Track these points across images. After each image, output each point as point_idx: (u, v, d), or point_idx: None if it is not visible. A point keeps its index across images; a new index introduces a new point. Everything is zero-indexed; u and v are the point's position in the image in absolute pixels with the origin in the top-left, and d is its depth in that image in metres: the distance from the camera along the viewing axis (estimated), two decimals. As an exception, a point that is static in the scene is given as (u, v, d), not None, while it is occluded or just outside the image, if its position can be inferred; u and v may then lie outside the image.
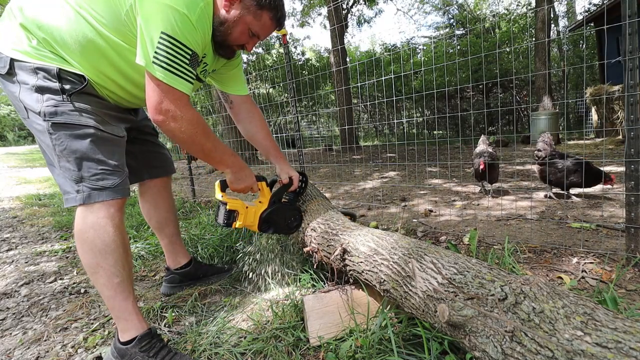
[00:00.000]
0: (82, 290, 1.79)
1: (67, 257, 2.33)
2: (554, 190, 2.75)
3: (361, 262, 1.14)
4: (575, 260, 1.61)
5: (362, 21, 16.54)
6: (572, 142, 7.25)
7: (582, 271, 1.49)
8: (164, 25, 0.94)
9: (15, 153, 19.22)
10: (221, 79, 1.41)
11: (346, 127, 7.52)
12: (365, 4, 14.79)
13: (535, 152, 2.73)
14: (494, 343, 0.71)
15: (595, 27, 8.99)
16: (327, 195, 3.72)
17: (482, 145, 3.08)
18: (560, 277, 1.47)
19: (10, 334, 1.45)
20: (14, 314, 1.61)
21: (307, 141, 14.54)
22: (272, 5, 1.11)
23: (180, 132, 1.05)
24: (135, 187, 1.70)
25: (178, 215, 2.24)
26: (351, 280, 1.30)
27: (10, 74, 1.02)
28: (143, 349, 1.09)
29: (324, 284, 1.44)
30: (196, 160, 5.82)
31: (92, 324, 1.45)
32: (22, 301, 1.73)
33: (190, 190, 3.86)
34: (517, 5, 18.79)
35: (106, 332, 1.37)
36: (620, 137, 6.06)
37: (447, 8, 19.02)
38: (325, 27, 17.15)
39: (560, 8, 18.22)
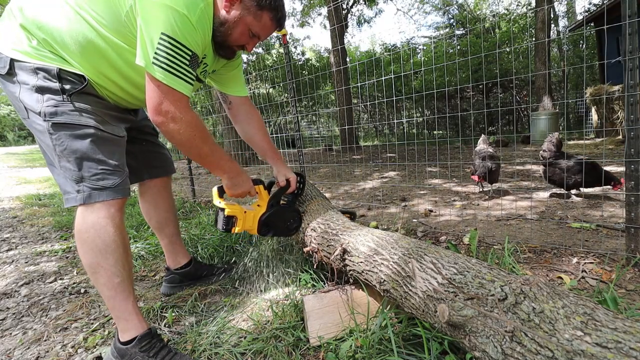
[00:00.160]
0: (82, 290, 1.79)
1: (67, 257, 2.33)
2: (560, 190, 2.75)
3: (361, 262, 1.14)
4: (575, 260, 1.61)
5: (362, 21, 16.54)
6: (572, 142, 7.25)
7: (582, 271, 1.49)
8: (164, 26, 0.94)
9: (15, 153, 19.22)
10: (221, 79, 1.41)
11: (346, 127, 7.52)
12: (365, 4, 14.79)
13: (541, 152, 2.73)
14: (494, 343, 0.71)
15: (595, 27, 8.99)
16: (327, 195, 3.72)
17: (481, 145, 3.08)
18: (560, 277, 1.47)
19: (10, 334, 1.45)
20: (14, 314, 1.61)
21: (307, 141, 14.54)
22: (273, 6, 1.11)
23: (179, 134, 1.05)
24: (135, 187, 1.70)
25: (178, 215, 2.24)
26: (351, 280, 1.30)
27: (11, 74, 1.02)
28: (143, 349, 1.09)
29: (324, 284, 1.44)
30: (196, 160, 5.81)
31: (92, 324, 1.45)
32: (22, 301, 1.73)
33: (190, 190, 3.87)
34: (517, 5, 18.80)
35: (106, 332, 1.37)
36: (620, 137, 6.06)
37: (447, 8, 19.03)
38: (325, 27, 17.16)
39: (560, 8, 18.23)
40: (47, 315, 1.58)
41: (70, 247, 2.49)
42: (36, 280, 1.97)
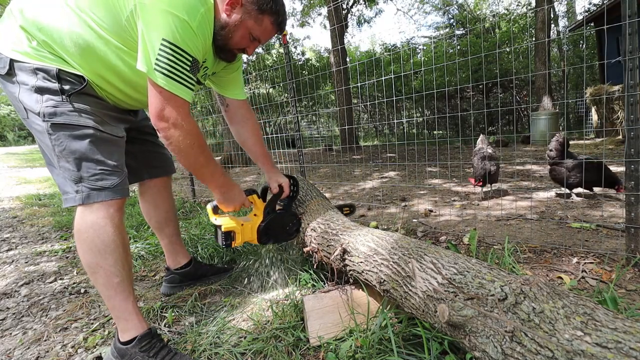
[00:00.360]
0: (82, 290, 1.79)
1: (67, 257, 2.32)
2: (565, 190, 2.74)
3: (361, 262, 1.14)
4: (575, 260, 1.61)
5: (362, 21, 16.53)
6: (572, 142, 7.24)
7: (582, 271, 1.49)
8: (165, 32, 0.95)
9: (15, 153, 19.22)
10: (220, 82, 1.41)
11: (346, 127, 7.52)
12: (365, 4, 14.79)
13: (547, 152, 2.73)
14: (494, 343, 0.71)
15: (595, 27, 8.99)
16: (327, 195, 3.72)
17: (480, 144, 3.08)
18: (560, 277, 1.47)
19: (10, 334, 1.45)
20: (14, 314, 1.61)
21: (307, 141, 14.54)
22: (274, 10, 1.11)
23: (179, 141, 1.05)
24: (135, 187, 1.70)
25: (178, 215, 2.24)
26: (351, 280, 1.30)
27: (10, 74, 1.02)
28: (143, 349, 1.09)
29: (324, 284, 1.44)
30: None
31: (92, 324, 1.45)
32: (22, 301, 1.73)
33: (190, 190, 3.86)
34: (517, 5, 18.80)
35: (106, 332, 1.37)
36: (620, 137, 6.06)
37: (447, 8, 19.02)
38: (325, 27, 17.15)
39: (560, 8, 18.22)
40: (47, 315, 1.58)
41: (70, 247, 2.49)
42: (36, 280, 1.97)
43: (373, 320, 1.15)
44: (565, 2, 18.24)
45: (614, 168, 3.65)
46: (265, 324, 1.28)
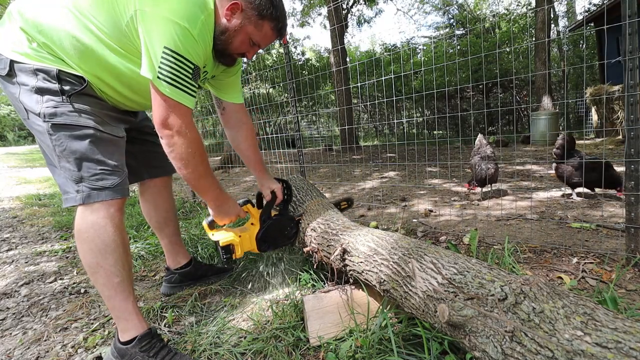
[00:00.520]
0: (82, 290, 1.79)
1: (67, 257, 2.33)
2: (571, 189, 2.74)
3: (361, 262, 1.14)
4: (575, 260, 1.61)
5: (362, 21, 16.51)
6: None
7: (582, 271, 1.49)
8: (167, 40, 0.95)
9: (15, 153, 19.22)
10: (218, 85, 1.41)
11: (346, 127, 7.52)
12: (365, 4, 14.78)
13: (554, 150, 2.73)
14: (494, 343, 0.71)
15: (595, 27, 8.99)
16: (327, 195, 3.72)
17: (479, 144, 3.07)
18: (560, 277, 1.47)
19: (10, 334, 1.45)
20: (14, 314, 1.61)
21: (307, 141, 14.54)
22: (274, 16, 1.11)
23: (182, 149, 1.05)
24: (135, 187, 1.70)
25: (178, 215, 2.24)
26: (351, 280, 1.30)
27: (11, 75, 1.02)
28: (143, 349, 1.09)
29: (324, 284, 1.44)
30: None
31: (92, 324, 1.45)
32: (22, 301, 1.73)
33: (190, 190, 3.86)
34: (517, 5, 18.80)
35: (106, 332, 1.37)
36: (620, 137, 6.06)
37: (447, 8, 19.02)
38: (325, 27, 17.15)
39: (560, 8, 18.22)
40: (47, 315, 1.58)
41: (70, 247, 2.49)
42: (36, 280, 1.97)
43: (373, 320, 1.15)
44: (565, 2, 18.24)
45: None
46: (265, 324, 1.28)
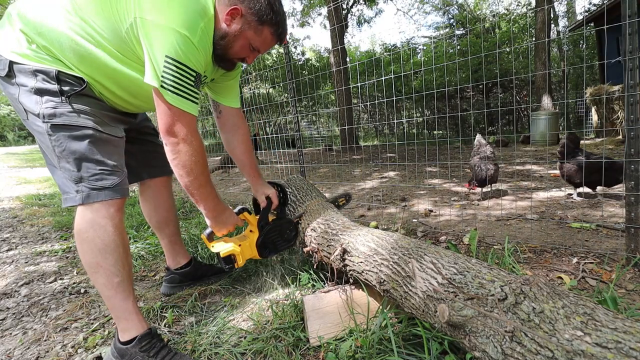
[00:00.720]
0: (82, 290, 1.79)
1: (67, 257, 2.33)
2: (578, 189, 2.74)
3: (361, 262, 1.14)
4: (575, 260, 1.61)
5: (362, 21, 16.51)
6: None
7: (582, 271, 1.49)
8: (168, 49, 0.95)
9: (15, 153, 19.22)
10: (216, 88, 1.41)
11: (346, 127, 7.53)
12: (365, 4, 14.78)
13: (558, 149, 2.73)
14: (494, 343, 0.71)
15: (595, 27, 8.99)
16: (327, 195, 3.72)
17: (478, 144, 3.07)
18: (560, 277, 1.47)
19: (10, 334, 1.45)
20: (14, 314, 1.61)
21: (307, 141, 14.54)
22: (274, 21, 1.11)
23: (186, 157, 1.06)
24: (135, 187, 1.70)
25: (178, 215, 2.24)
26: (351, 280, 1.30)
27: (10, 76, 1.02)
28: (143, 349, 1.09)
29: (324, 284, 1.44)
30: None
31: (92, 324, 1.45)
32: (22, 301, 1.73)
33: (190, 190, 3.86)
34: (517, 5, 18.80)
35: (106, 332, 1.37)
36: (620, 137, 6.06)
37: (447, 8, 19.02)
38: (325, 27, 17.14)
39: (560, 8, 18.22)
40: (47, 315, 1.58)
41: (70, 247, 2.49)
42: (36, 280, 1.97)
43: (373, 320, 1.15)
44: (565, 2, 18.24)
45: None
46: (265, 324, 1.28)
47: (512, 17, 15.49)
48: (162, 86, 0.98)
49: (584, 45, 13.79)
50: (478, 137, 3.12)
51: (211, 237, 1.33)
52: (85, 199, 1.06)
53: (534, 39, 9.90)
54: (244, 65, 1.30)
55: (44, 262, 2.27)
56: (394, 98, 3.05)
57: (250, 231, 1.41)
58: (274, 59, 16.45)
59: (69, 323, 1.48)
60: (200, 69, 1.05)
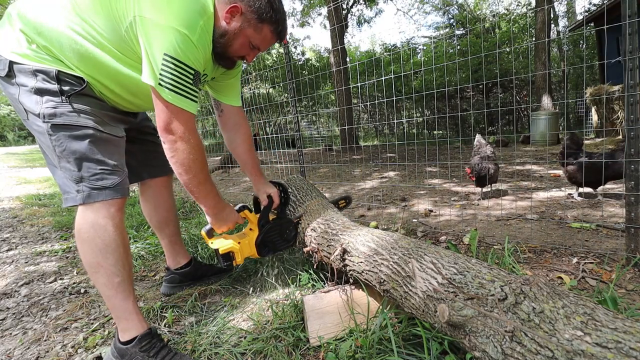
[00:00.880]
0: (82, 290, 1.79)
1: (67, 257, 2.33)
2: (581, 189, 2.74)
3: (361, 262, 1.14)
4: (575, 260, 1.61)
5: (362, 21, 16.50)
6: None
7: (582, 271, 1.49)
8: (166, 47, 0.95)
9: (15, 153, 19.22)
10: (217, 86, 1.41)
11: (346, 127, 7.53)
12: (365, 4, 14.78)
13: (560, 149, 2.73)
14: (494, 343, 0.71)
15: (595, 27, 8.99)
16: (327, 195, 3.72)
17: (478, 144, 3.06)
18: (560, 277, 1.47)
19: (10, 334, 1.45)
20: (14, 314, 1.61)
21: (307, 141, 14.54)
22: (274, 19, 1.11)
23: (184, 155, 1.06)
24: (135, 187, 1.70)
25: (178, 215, 2.24)
26: (351, 280, 1.30)
27: (10, 76, 1.02)
28: (143, 349, 1.09)
29: (324, 284, 1.44)
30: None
31: (92, 324, 1.45)
32: (22, 301, 1.73)
33: (190, 190, 3.86)
34: (517, 5, 18.80)
35: (106, 332, 1.37)
36: (620, 137, 6.06)
37: (447, 8, 19.02)
38: (325, 27, 17.14)
39: (560, 8, 18.22)
40: (47, 315, 1.58)
41: (70, 247, 2.49)
42: (36, 280, 1.97)
43: (373, 320, 1.15)
44: (565, 2, 18.24)
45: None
46: (265, 324, 1.28)
47: (512, 17, 15.49)
48: (159, 84, 0.97)
49: (584, 45, 13.79)
50: (478, 137, 3.11)
51: (210, 233, 1.33)
52: (86, 198, 1.06)
53: (534, 39, 9.90)
54: (245, 64, 1.30)
55: (44, 262, 2.27)
56: (394, 98, 3.05)
57: (250, 229, 1.41)
58: (274, 59, 16.45)
59: (69, 323, 1.48)
60: (200, 67, 1.05)
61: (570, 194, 2.81)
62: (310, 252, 1.40)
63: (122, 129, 1.20)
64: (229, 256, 1.32)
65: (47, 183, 6.35)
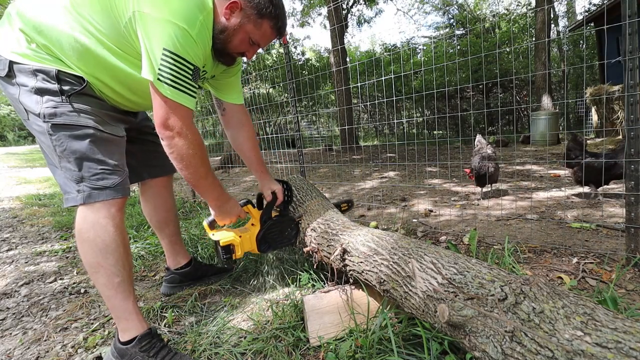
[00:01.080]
0: (82, 290, 1.79)
1: (67, 257, 2.33)
2: (586, 189, 2.74)
3: (361, 262, 1.14)
4: (575, 260, 1.61)
5: (362, 21, 16.50)
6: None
7: (582, 271, 1.49)
8: (166, 42, 0.95)
9: (15, 153, 19.23)
10: (218, 85, 1.41)
11: (346, 127, 7.52)
12: (365, 4, 14.78)
13: (565, 151, 2.74)
14: (494, 343, 0.71)
15: (595, 27, 8.99)
16: (327, 195, 3.72)
17: (478, 144, 3.07)
18: (560, 277, 1.47)
19: (10, 334, 1.45)
20: (14, 314, 1.61)
21: (307, 141, 14.53)
22: (273, 15, 1.11)
23: (182, 150, 1.06)
24: (135, 187, 1.70)
25: (178, 215, 2.24)
26: (351, 280, 1.30)
27: (10, 76, 1.02)
28: (143, 349, 1.09)
29: (324, 284, 1.44)
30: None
31: (92, 324, 1.45)
32: (22, 301, 1.73)
33: (190, 190, 3.86)
34: (517, 5, 18.80)
35: (106, 332, 1.37)
36: (620, 137, 6.06)
37: (447, 8, 19.02)
38: (325, 27, 17.14)
39: (560, 8, 18.22)
40: (47, 315, 1.58)
41: (70, 247, 2.49)
42: (36, 280, 1.97)
43: (373, 320, 1.15)
44: (565, 2, 18.24)
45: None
46: (265, 324, 1.28)
47: (512, 17, 15.49)
48: (158, 79, 0.97)
49: (584, 45, 13.79)
50: (478, 137, 3.11)
51: (213, 225, 1.33)
52: (86, 198, 1.06)
53: (534, 39, 9.90)
54: (245, 61, 1.31)
55: (44, 262, 2.27)
56: (394, 98, 3.05)
57: (252, 224, 1.41)
58: (274, 59, 16.44)
59: (69, 323, 1.48)
60: (199, 63, 1.05)
61: (581, 193, 2.80)
62: (310, 252, 1.40)
63: (123, 129, 1.20)
64: (229, 249, 1.32)
65: (47, 183, 6.35)
